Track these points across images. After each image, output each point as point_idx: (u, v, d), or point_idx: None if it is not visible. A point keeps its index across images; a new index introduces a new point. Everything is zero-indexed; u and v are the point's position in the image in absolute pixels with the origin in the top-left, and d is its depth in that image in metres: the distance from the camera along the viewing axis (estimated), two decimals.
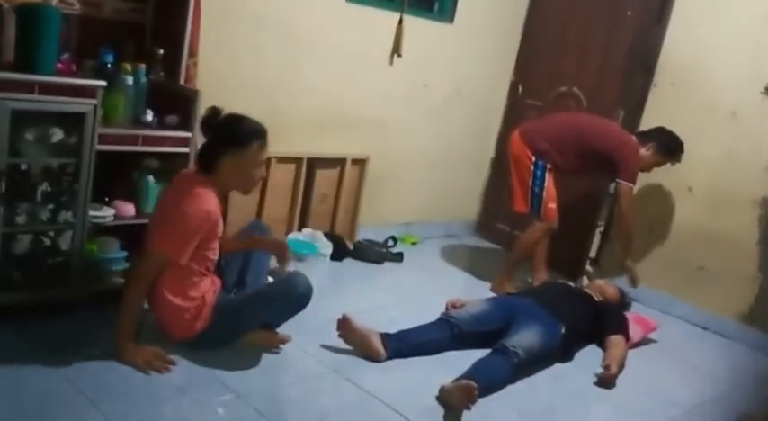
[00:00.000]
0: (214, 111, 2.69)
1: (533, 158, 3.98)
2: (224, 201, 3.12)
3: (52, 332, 2.75)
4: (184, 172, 2.86)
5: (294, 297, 2.79)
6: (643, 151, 4.00)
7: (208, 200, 2.63)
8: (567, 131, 4.04)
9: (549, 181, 3.98)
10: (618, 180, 3.96)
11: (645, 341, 3.81)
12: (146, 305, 2.76)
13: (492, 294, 3.96)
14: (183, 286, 2.70)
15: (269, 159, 3.73)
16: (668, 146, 4.02)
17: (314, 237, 4.05)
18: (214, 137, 2.69)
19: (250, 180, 2.76)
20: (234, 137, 2.66)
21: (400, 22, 4.31)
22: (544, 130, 4.07)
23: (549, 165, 3.98)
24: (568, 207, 4.68)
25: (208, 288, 2.77)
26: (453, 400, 2.69)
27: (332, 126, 4.22)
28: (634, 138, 4.05)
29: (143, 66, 3.05)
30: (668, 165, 4.10)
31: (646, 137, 4.06)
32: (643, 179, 4.50)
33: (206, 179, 2.68)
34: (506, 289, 4.04)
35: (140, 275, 2.63)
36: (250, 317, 2.78)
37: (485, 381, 2.77)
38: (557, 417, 2.93)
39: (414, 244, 4.80)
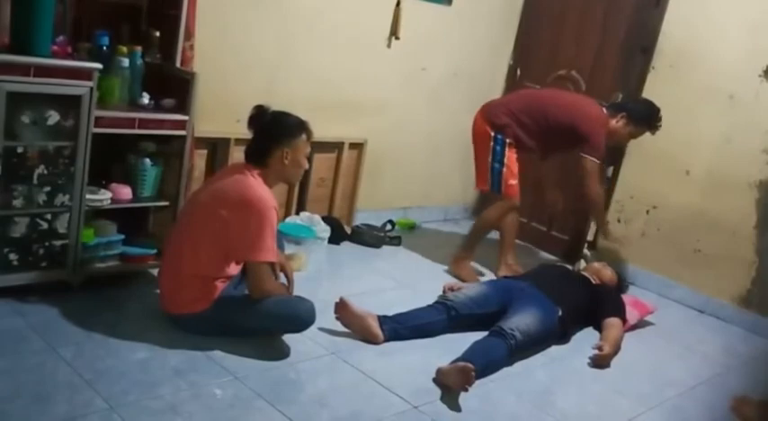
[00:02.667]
0: (261, 109, 2.84)
1: (492, 133, 3.87)
2: None
3: (49, 314, 2.76)
4: (238, 164, 2.97)
5: (294, 322, 2.82)
6: (614, 123, 3.90)
7: (268, 193, 2.77)
8: (529, 104, 3.94)
9: (510, 157, 3.86)
10: (582, 154, 3.82)
11: (642, 324, 3.83)
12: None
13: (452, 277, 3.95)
14: (209, 267, 2.74)
15: None
16: (640, 114, 3.91)
17: (312, 221, 4.05)
18: (264, 133, 2.83)
19: (300, 169, 2.92)
20: (285, 130, 2.83)
21: (398, 3, 4.28)
22: (505, 104, 3.98)
23: (509, 140, 3.86)
24: (566, 191, 4.69)
25: (228, 275, 2.80)
26: (450, 382, 2.71)
27: (329, 109, 4.20)
28: (604, 110, 3.95)
29: (139, 48, 3.03)
30: (648, 135, 3.99)
31: (617, 107, 3.97)
32: (640, 162, 4.52)
33: (260, 172, 2.80)
34: (464, 268, 3.97)
35: (269, 287, 2.78)
36: (247, 321, 2.79)
37: (482, 363, 2.78)
38: (554, 398, 2.95)
39: (411, 228, 4.81)
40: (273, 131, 2.82)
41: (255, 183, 2.75)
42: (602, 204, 3.96)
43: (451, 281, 3.83)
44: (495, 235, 4.17)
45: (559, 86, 4.79)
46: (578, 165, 3.87)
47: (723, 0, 4.18)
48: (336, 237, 4.20)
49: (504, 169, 3.85)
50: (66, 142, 2.76)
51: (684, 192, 4.36)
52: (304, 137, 2.86)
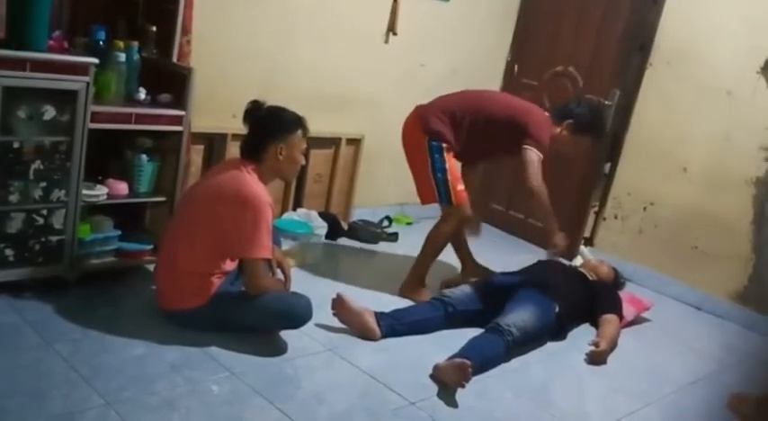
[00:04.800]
0: (257, 104, 2.82)
1: (427, 140, 3.47)
2: None
3: (45, 310, 2.75)
4: (233, 160, 2.94)
5: (291, 318, 2.82)
6: (557, 130, 3.59)
7: (263, 190, 2.75)
8: (464, 102, 3.58)
9: (450, 161, 3.48)
10: (524, 145, 3.44)
11: (639, 320, 3.83)
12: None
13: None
14: (205, 263, 2.74)
15: None
16: (586, 121, 3.62)
17: (309, 217, 4.04)
18: (259, 128, 2.82)
19: (295, 165, 2.90)
20: (280, 125, 2.81)
21: None
22: (439, 106, 3.56)
23: (445, 145, 3.47)
24: (564, 187, 4.69)
25: (224, 271, 2.79)
26: (447, 378, 2.71)
27: (327, 105, 4.20)
28: (547, 115, 3.66)
29: (136, 43, 3.02)
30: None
31: (562, 114, 3.64)
32: (637, 159, 4.52)
33: (255, 168, 2.79)
34: (419, 293, 3.53)
35: (266, 284, 2.77)
36: (244, 317, 2.78)
37: (479, 360, 2.78)
38: (550, 395, 2.95)
39: (409, 224, 4.80)
40: (268, 127, 2.81)
41: (251, 180, 2.74)
42: (546, 202, 3.48)
43: (449, 277, 3.82)
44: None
45: (557, 83, 4.79)
46: (519, 157, 3.49)
47: None
48: (333, 233, 4.20)
49: (449, 176, 3.46)
50: (63, 137, 2.75)
51: (681, 190, 4.36)
52: (299, 132, 2.84)
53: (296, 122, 2.84)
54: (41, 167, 2.74)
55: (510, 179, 4.65)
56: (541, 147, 3.46)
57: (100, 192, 2.95)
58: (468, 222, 3.72)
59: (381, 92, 4.46)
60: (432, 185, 3.49)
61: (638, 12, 4.45)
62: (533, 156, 3.44)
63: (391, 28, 4.34)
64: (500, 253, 4.50)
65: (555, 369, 3.17)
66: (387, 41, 4.37)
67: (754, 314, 4.08)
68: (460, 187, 3.52)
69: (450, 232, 3.60)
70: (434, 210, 4.98)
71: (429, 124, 3.48)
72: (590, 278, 3.78)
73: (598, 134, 3.73)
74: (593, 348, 3.27)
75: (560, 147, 3.63)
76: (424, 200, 3.62)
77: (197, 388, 2.45)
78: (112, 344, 2.61)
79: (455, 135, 3.49)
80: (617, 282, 3.96)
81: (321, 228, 4.03)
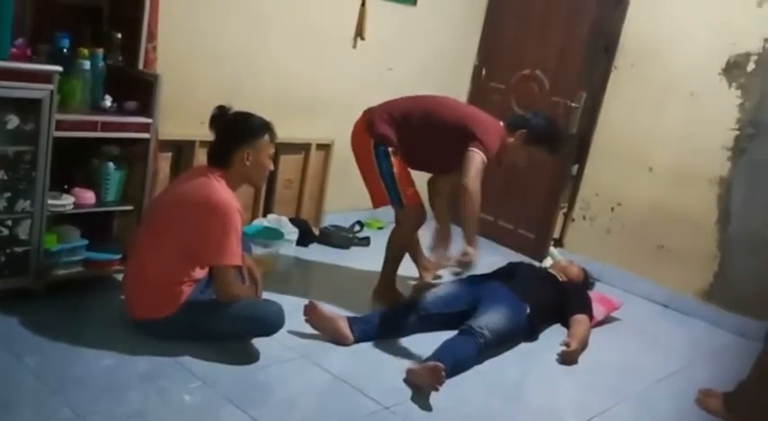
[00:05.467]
0: (223, 110, 2.80)
1: (373, 144, 3.43)
2: None
3: (12, 323, 2.70)
4: (200, 167, 2.93)
5: (263, 325, 2.80)
6: (510, 140, 3.48)
7: (231, 196, 2.73)
8: (412, 106, 3.51)
9: (397, 165, 3.41)
10: (470, 148, 3.29)
11: (609, 319, 3.88)
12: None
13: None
14: (175, 271, 2.71)
15: None
16: (541, 133, 3.47)
17: (279, 223, 4.03)
18: (225, 134, 2.80)
19: (263, 170, 2.87)
20: (246, 130, 2.79)
21: (363, 4, 4.29)
22: (386, 110, 3.50)
23: (391, 149, 3.41)
24: (533, 189, 4.75)
25: (193, 279, 2.77)
26: (421, 382, 2.72)
27: (296, 110, 4.19)
28: (502, 124, 3.54)
29: (100, 50, 2.98)
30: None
31: (517, 123, 3.53)
32: (604, 160, 4.58)
33: (222, 174, 2.76)
34: (390, 299, 3.52)
35: (236, 291, 2.76)
36: (215, 325, 2.76)
37: (452, 362, 2.80)
38: (524, 395, 2.98)
39: (380, 228, 4.80)
40: (235, 132, 2.79)
41: (218, 187, 2.72)
42: (476, 207, 3.26)
43: (420, 281, 3.83)
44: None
45: (524, 87, 4.84)
46: (463, 157, 3.31)
47: (684, 0, 4.26)
48: (304, 239, 4.19)
49: (397, 179, 3.41)
50: (27, 147, 2.70)
51: (648, 189, 4.43)
52: (267, 137, 2.82)
53: (263, 127, 2.82)
54: (5, 177, 2.69)
55: (500, 192, 4.67)
56: (488, 152, 3.32)
57: (66, 202, 2.91)
58: (419, 224, 3.57)
59: (351, 96, 4.45)
60: (382, 189, 3.47)
61: (602, 15, 4.51)
62: (477, 157, 3.28)
63: (359, 33, 4.35)
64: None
65: (527, 369, 3.19)
66: (355, 46, 4.38)
67: (720, 311, 4.15)
68: (410, 189, 3.45)
69: (406, 235, 3.58)
70: None
71: (375, 127, 3.43)
72: (560, 279, 3.82)
73: (552, 147, 3.55)
74: (564, 348, 3.31)
75: (512, 157, 3.52)
76: (375, 203, 3.60)
77: (169, 398, 2.42)
78: (82, 355, 2.57)
79: (400, 138, 3.42)
80: (587, 282, 4.01)
81: (292, 234, 4.02)
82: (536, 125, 3.49)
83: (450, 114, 3.46)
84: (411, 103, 3.55)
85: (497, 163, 3.49)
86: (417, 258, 3.91)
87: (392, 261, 3.62)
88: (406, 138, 3.42)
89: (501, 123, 3.55)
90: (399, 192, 3.42)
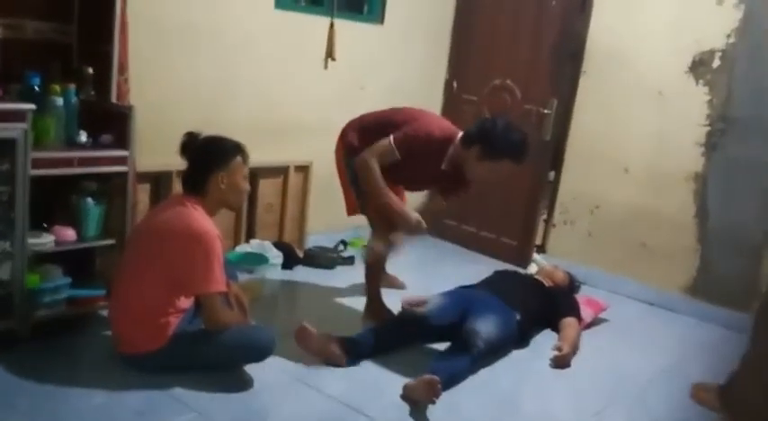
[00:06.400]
0: (192, 136, 2.79)
1: (344, 153, 3.54)
2: None
3: None
4: (176, 196, 2.92)
5: (254, 351, 2.79)
6: (465, 151, 3.30)
7: (210, 224, 2.72)
8: (381, 116, 3.55)
9: None
10: (385, 138, 3.30)
11: (597, 321, 3.90)
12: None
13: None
14: (159, 303, 2.68)
15: None
16: (496, 146, 3.22)
17: (263, 248, 4.00)
18: (197, 159, 2.78)
19: (240, 193, 2.86)
20: (218, 154, 2.78)
21: (331, 26, 4.31)
22: (359, 122, 3.59)
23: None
24: (512, 198, 4.78)
25: (179, 309, 2.74)
26: (417, 396, 2.71)
27: (272, 134, 4.19)
28: (460, 134, 3.38)
29: (72, 86, 2.96)
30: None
31: (469, 139, 3.31)
32: (580, 164, 4.63)
33: (198, 201, 2.75)
34: (382, 315, 3.51)
35: (225, 318, 2.74)
36: (206, 355, 2.74)
37: (447, 374, 2.79)
38: (521, 403, 2.98)
39: (364, 246, 4.79)
40: (207, 157, 2.78)
41: (196, 215, 2.70)
42: (372, 179, 3.28)
43: (408, 295, 3.82)
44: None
45: (496, 97, 4.88)
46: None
47: (645, 2, 4.34)
48: (289, 262, 4.17)
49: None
50: (4, 187, 2.66)
51: (625, 190, 4.48)
52: (239, 159, 2.80)
53: (234, 149, 2.80)
54: None
55: (480, 202, 4.68)
56: (398, 140, 3.27)
57: (46, 241, 2.87)
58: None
59: (325, 117, 4.46)
60: (352, 196, 3.60)
61: (567, 22, 4.58)
62: (385, 140, 3.28)
63: (329, 54, 4.37)
64: (453, 266, 4.57)
65: (522, 376, 3.20)
66: (326, 67, 4.40)
67: (706, 305, 4.19)
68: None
69: (379, 248, 3.47)
70: None
71: (346, 138, 3.57)
72: (546, 284, 3.84)
73: (514, 158, 3.26)
74: (556, 353, 3.33)
75: (476, 172, 3.34)
76: (348, 211, 3.73)
77: None
78: (73, 395, 2.52)
79: (367, 145, 3.37)
80: (572, 286, 4.04)
81: (277, 258, 3.99)
82: (490, 138, 3.23)
83: (403, 120, 3.42)
84: (381, 113, 3.62)
85: (460, 183, 3.47)
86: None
87: (372, 275, 3.61)
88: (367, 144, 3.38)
89: (459, 132, 3.39)
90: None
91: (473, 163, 3.30)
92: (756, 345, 2.83)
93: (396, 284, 4.03)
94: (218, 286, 2.68)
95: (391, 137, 3.31)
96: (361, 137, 3.49)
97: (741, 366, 2.88)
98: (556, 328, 3.59)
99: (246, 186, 2.89)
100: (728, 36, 4.03)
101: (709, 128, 4.14)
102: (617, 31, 4.44)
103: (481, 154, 3.26)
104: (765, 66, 3.95)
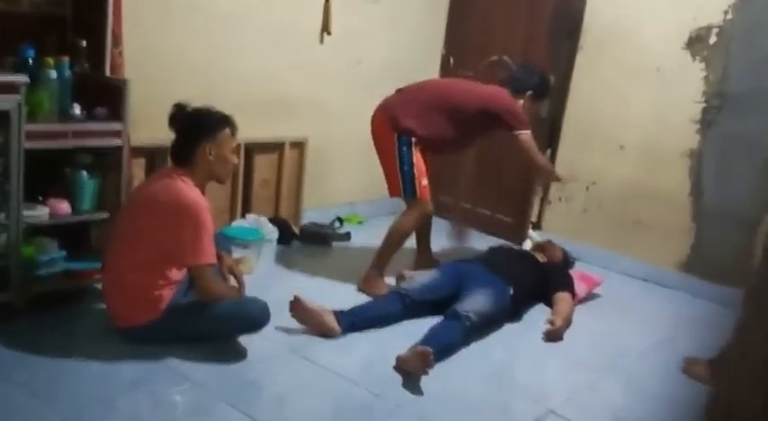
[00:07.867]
0: (180, 107, 2.78)
1: (396, 136, 3.57)
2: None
3: None
4: (165, 169, 2.91)
5: (249, 322, 2.80)
6: (522, 103, 3.74)
7: (199, 195, 2.71)
8: (434, 99, 3.67)
9: (416, 156, 3.57)
10: (514, 132, 3.60)
11: (590, 296, 3.93)
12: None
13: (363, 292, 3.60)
14: (152, 274, 2.69)
15: None
16: (541, 88, 3.84)
17: (259, 223, 4.02)
18: (185, 131, 2.77)
19: (228, 165, 2.85)
20: (205, 125, 2.76)
21: None
22: (409, 103, 3.65)
23: (414, 139, 3.56)
24: (508, 174, 4.78)
25: (172, 281, 2.75)
26: (410, 367, 2.73)
27: (267, 110, 4.18)
28: (507, 92, 3.75)
29: (66, 58, 2.95)
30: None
31: (519, 87, 3.76)
32: (576, 140, 4.63)
33: (187, 173, 2.74)
34: (378, 287, 3.58)
35: (217, 289, 2.74)
36: (201, 326, 2.76)
37: (440, 346, 2.82)
38: (513, 375, 3.01)
39: (360, 223, 4.82)
40: (195, 128, 2.76)
41: (185, 187, 2.70)
42: (551, 169, 4.12)
43: (404, 271, 3.85)
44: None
45: (492, 73, 4.87)
46: (515, 146, 3.65)
47: None
48: (285, 237, 4.18)
49: (415, 170, 3.56)
50: None
51: (621, 167, 4.49)
52: (227, 131, 2.79)
53: (222, 120, 2.79)
54: None
55: (476, 178, 4.67)
56: (525, 124, 3.63)
57: (41, 213, 2.88)
58: (426, 216, 3.77)
59: (321, 92, 4.46)
60: (398, 178, 3.60)
61: None
62: (526, 138, 3.63)
63: (325, 28, 4.35)
64: (448, 242, 4.56)
65: (514, 349, 3.23)
66: (322, 42, 4.38)
67: (699, 281, 4.21)
68: (425, 182, 3.60)
69: (412, 226, 3.69)
70: (384, 207, 5.02)
71: (399, 123, 3.57)
72: (540, 260, 3.86)
73: (549, 94, 4.00)
74: (549, 326, 3.35)
75: (527, 116, 3.76)
76: (392, 193, 3.74)
77: (160, 401, 2.42)
78: (69, 366, 2.55)
79: (426, 129, 3.57)
80: (567, 261, 4.06)
81: (272, 233, 4.01)
82: (536, 83, 3.78)
83: (471, 100, 3.65)
84: (428, 92, 3.73)
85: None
86: (422, 247, 4.03)
87: (390, 248, 3.68)
88: (431, 128, 3.58)
89: (507, 91, 3.74)
90: (415, 183, 3.57)
91: (528, 107, 3.76)
92: (746, 321, 2.85)
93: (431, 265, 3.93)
94: (208, 257, 2.68)
95: (527, 133, 3.63)
96: (424, 122, 3.57)
97: (732, 338, 2.90)
98: (549, 303, 3.62)
99: (235, 159, 2.88)
100: (726, 12, 4.01)
101: (705, 104, 4.13)
102: (615, 7, 4.42)
103: (535, 97, 3.80)
104: (762, 42, 3.93)
